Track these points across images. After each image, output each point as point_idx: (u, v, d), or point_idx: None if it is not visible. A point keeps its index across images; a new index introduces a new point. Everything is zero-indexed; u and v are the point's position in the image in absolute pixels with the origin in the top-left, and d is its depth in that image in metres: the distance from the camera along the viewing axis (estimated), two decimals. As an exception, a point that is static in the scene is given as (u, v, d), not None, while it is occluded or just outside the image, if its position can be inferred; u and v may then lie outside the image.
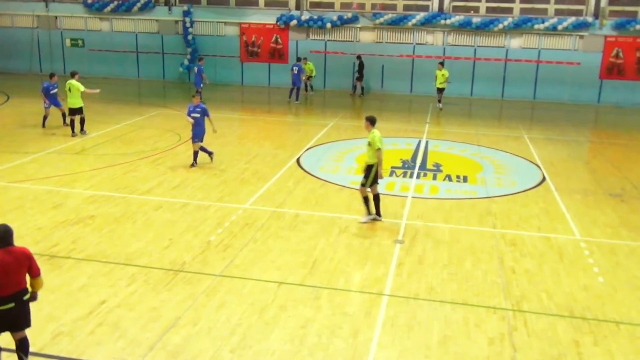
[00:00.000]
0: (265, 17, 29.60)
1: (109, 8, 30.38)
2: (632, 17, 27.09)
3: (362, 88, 27.80)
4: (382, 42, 28.86)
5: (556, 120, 23.54)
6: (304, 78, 26.16)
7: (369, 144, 11.11)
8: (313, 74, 27.20)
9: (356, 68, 27.68)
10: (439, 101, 24.37)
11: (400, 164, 15.69)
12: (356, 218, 11.50)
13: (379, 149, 10.92)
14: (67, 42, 31.35)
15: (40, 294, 6.66)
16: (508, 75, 28.07)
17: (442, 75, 23.98)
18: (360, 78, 27.62)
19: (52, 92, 18.35)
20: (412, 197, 13.04)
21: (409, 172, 15.01)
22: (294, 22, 28.94)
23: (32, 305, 5.99)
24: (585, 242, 10.77)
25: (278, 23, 29.21)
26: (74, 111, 17.57)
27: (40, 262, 9.07)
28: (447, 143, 18.60)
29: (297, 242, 10.32)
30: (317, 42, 29.20)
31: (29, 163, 14.63)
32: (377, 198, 11.37)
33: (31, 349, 6.46)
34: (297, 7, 29.42)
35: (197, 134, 14.48)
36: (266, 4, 29.81)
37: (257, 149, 16.84)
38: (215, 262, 9.40)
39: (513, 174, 15.41)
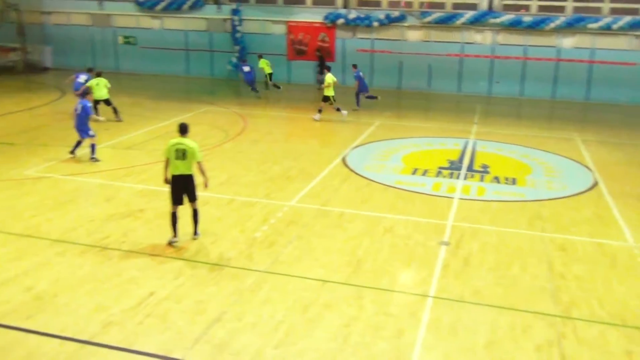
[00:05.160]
0: (312, 15, 29.65)
1: (160, 6, 31.00)
2: (693, 16, 26.04)
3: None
4: (429, 41, 28.55)
5: (611, 122, 22.81)
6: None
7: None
8: (266, 72, 26.35)
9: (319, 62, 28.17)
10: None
11: (448, 165, 15.50)
12: (401, 218, 11.42)
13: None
14: (120, 39, 32.17)
15: (91, 284, 6.83)
16: (560, 75, 27.36)
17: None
18: (321, 72, 27.01)
19: None
20: (459, 199, 12.86)
21: (456, 173, 14.81)
22: (341, 20, 28.92)
23: (83, 294, 6.15)
24: (640, 249, 10.42)
25: (325, 21, 29.25)
26: None
27: (92, 253, 9.43)
28: (495, 144, 18.26)
29: (341, 240, 10.31)
30: (364, 40, 29.11)
31: (81, 157, 15.05)
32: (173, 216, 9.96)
33: (81, 337, 6.61)
34: (345, 6, 29.39)
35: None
36: (314, 3, 29.85)
37: (303, 147, 16.90)
38: (260, 258, 9.48)
39: (564, 177, 15.02)
